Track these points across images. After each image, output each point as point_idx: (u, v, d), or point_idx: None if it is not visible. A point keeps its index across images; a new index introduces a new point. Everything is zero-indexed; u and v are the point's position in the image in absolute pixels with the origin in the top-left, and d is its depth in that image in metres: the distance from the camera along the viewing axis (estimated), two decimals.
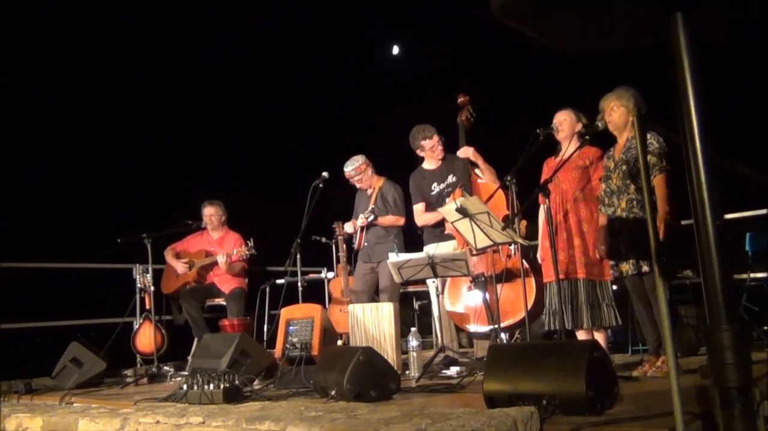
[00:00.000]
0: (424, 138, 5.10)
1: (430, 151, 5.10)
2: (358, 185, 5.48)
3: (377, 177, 5.48)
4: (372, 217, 5.22)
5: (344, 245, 5.60)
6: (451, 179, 5.01)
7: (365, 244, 5.38)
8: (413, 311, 7.14)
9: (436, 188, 5.09)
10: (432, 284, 4.92)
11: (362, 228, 5.34)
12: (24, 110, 7.24)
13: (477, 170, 4.94)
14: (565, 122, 4.24)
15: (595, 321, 3.99)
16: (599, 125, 3.92)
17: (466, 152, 4.89)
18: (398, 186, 5.44)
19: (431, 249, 4.83)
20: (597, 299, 4.02)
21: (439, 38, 9.24)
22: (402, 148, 5.29)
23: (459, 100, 5.06)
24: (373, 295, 5.46)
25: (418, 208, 5.15)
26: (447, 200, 4.95)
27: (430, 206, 5.09)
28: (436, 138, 5.09)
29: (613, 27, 1.25)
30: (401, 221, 5.35)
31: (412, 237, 5.52)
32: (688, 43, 1.19)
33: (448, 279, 4.75)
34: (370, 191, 5.46)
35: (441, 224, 4.95)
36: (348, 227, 5.50)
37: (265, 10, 8.83)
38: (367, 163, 5.41)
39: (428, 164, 5.19)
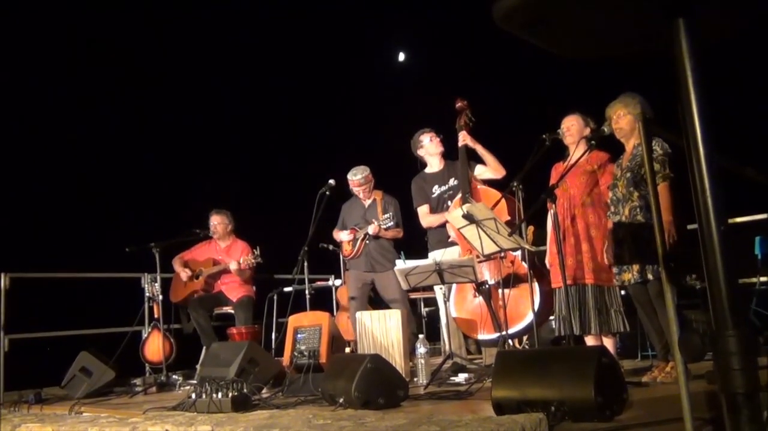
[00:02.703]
0: (422, 133, 5.14)
1: (430, 143, 5.11)
2: (360, 195, 5.41)
3: (375, 189, 5.46)
4: (391, 223, 5.18)
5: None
6: (452, 182, 5.01)
7: (365, 253, 5.30)
8: (421, 318, 7.13)
9: (437, 190, 5.08)
10: (439, 291, 4.91)
11: (365, 237, 5.28)
12: (31, 117, 7.30)
13: (478, 166, 4.94)
14: (573, 127, 4.23)
15: (603, 327, 3.97)
16: (605, 129, 3.93)
17: (464, 138, 4.92)
18: (396, 200, 5.43)
19: (438, 256, 4.82)
20: (605, 304, 4.00)
21: (444, 44, 9.24)
22: (406, 156, 5.30)
23: (457, 104, 5.06)
24: (366, 303, 5.49)
25: (423, 210, 5.13)
26: (448, 203, 4.96)
27: (431, 210, 5.09)
28: (434, 133, 5.14)
29: (614, 33, 1.25)
30: (401, 233, 5.36)
31: (415, 244, 5.52)
32: (690, 48, 1.19)
33: (454, 286, 4.74)
34: (368, 202, 5.42)
35: (446, 229, 4.95)
36: (344, 235, 5.40)
37: (271, 20, 8.88)
38: (372, 173, 5.42)
39: (430, 168, 5.19)
